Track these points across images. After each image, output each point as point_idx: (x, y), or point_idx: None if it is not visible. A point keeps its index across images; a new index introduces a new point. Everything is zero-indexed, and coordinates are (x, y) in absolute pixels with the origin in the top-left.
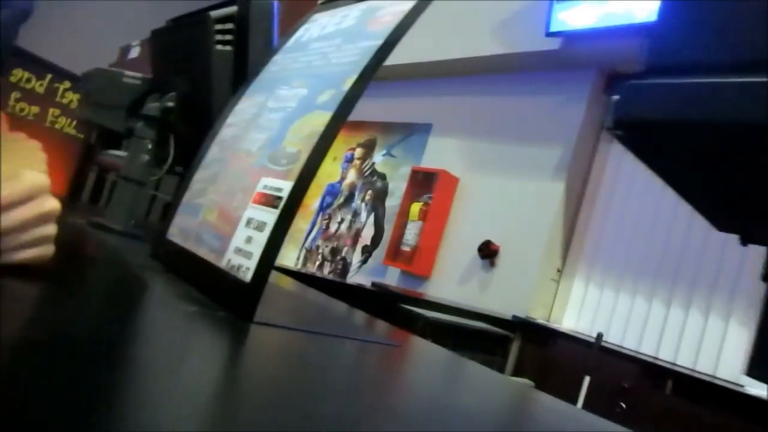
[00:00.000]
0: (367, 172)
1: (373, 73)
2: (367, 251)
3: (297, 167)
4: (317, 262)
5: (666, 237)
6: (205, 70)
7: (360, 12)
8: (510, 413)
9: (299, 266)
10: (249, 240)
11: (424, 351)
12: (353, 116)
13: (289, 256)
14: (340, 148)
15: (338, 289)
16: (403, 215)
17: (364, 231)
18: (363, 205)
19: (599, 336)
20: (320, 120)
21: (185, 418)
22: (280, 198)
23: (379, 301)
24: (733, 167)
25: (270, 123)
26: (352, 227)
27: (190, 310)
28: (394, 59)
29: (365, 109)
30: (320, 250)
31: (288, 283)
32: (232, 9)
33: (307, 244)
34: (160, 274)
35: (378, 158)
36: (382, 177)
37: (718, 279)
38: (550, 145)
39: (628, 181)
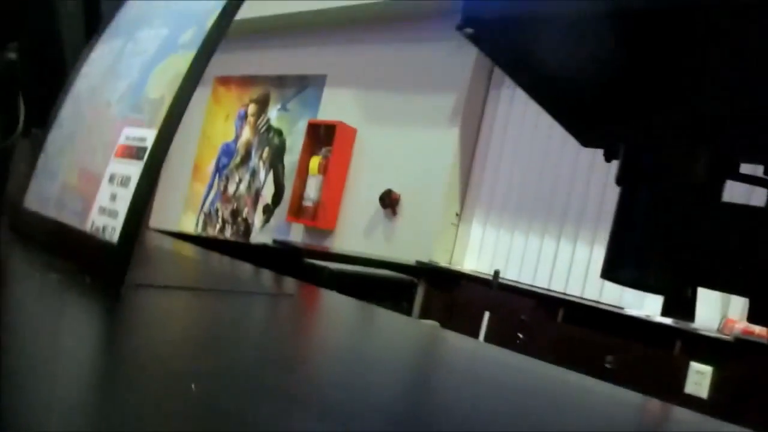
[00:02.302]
0: (263, 129)
1: (238, 7)
2: (269, 210)
3: (161, 114)
4: (218, 226)
5: (555, 176)
6: (50, 14)
7: None
8: (418, 350)
9: (198, 231)
10: (114, 197)
11: (324, 299)
12: (244, 71)
13: (188, 222)
14: (232, 105)
15: (238, 249)
16: (303, 171)
17: (264, 190)
18: (261, 163)
19: (496, 273)
20: (183, 61)
21: (60, 405)
22: (144, 149)
23: (282, 258)
24: (587, 67)
25: (130, 69)
26: (252, 187)
27: (53, 280)
28: (280, 9)
29: (257, 64)
30: (220, 214)
31: (184, 248)
32: None
33: (205, 209)
34: (20, 247)
35: (273, 114)
36: (279, 133)
37: (602, 213)
38: (444, 91)
39: (519, 124)
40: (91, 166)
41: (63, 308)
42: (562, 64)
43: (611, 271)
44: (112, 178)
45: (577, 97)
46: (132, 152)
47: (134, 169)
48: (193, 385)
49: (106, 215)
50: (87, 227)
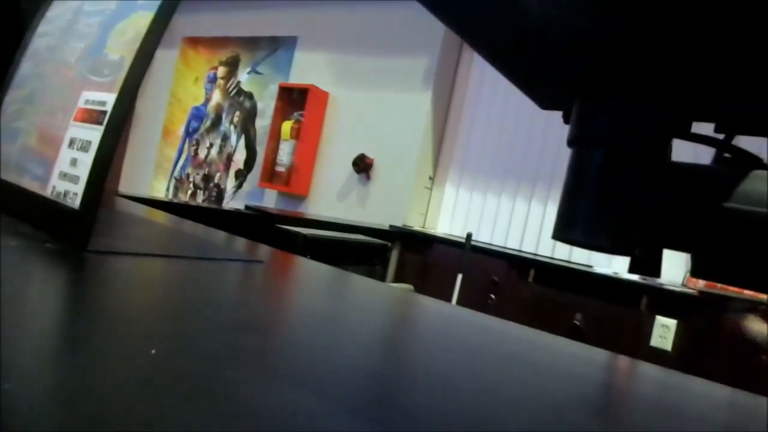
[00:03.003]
0: (233, 92)
1: None
2: (242, 175)
3: (121, 76)
4: (189, 191)
5: (526, 139)
6: None
7: None
8: (388, 315)
9: (169, 197)
10: (74, 162)
11: (294, 265)
12: (213, 32)
13: (158, 187)
14: (201, 67)
15: (209, 215)
16: (275, 135)
17: (236, 154)
18: (232, 127)
19: (468, 236)
20: (144, 21)
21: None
22: (104, 113)
23: (254, 224)
24: (538, 30)
25: (88, 29)
26: (223, 151)
27: (12, 245)
28: None
29: (226, 24)
30: (191, 179)
31: (152, 214)
32: None
33: (176, 173)
34: None
35: (243, 77)
36: (250, 96)
37: None
38: (416, 54)
39: (491, 86)
40: (51, 128)
41: (23, 275)
42: (514, 28)
43: (562, 232)
44: (72, 143)
45: (532, 60)
46: (92, 116)
47: (95, 134)
48: (153, 350)
49: (67, 180)
50: (48, 192)
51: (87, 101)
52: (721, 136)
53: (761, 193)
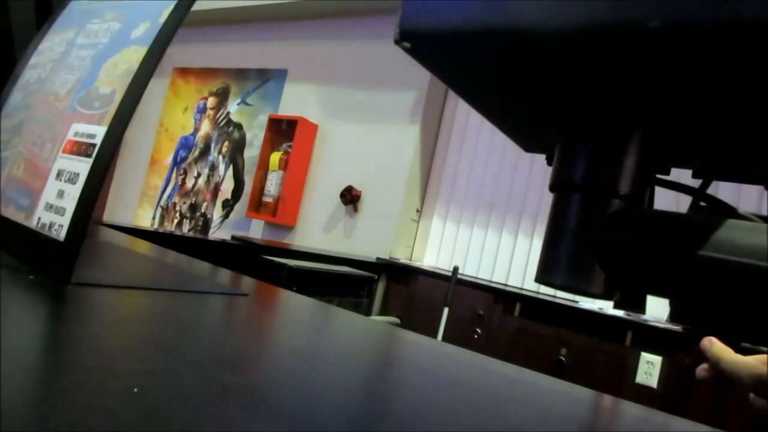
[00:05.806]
0: (222, 123)
1: (191, 4)
2: (228, 205)
3: (111, 109)
4: (175, 220)
5: (513, 173)
6: None
7: None
8: (370, 351)
9: (155, 226)
10: (61, 194)
11: (279, 299)
12: (204, 63)
13: (143, 215)
14: (191, 97)
15: (194, 246)
16: (264, 165)
17: (224, 184)
18: (220, 157)
19: (455, 269)
20: (136, 56)
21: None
22: (93, 145)
23: (240, 255)
24: (530, 79)
25: (80, 62)
26: (211, 181)
27: None
28: (241, 1)
29: (217, 56)
30: (178, 208)
31: (137, 244)
32: None
33: (162, 202)
34: None
35: (233, 107)
36: (239, 127)
37: None
38: (405, 88)
39: (478, 120)
40: (38, 160)
41: (4, 307)
42: (499, 77)
43: (543, 275)
44: (59, 174)
45: (515, 107)
46: (81, 149)
47: (83, 166)
48: (135, 389)
49: (53, 212)
50: (33, 223)
51: (76, 133)
52: (698, 182)
53: (736, 243)
